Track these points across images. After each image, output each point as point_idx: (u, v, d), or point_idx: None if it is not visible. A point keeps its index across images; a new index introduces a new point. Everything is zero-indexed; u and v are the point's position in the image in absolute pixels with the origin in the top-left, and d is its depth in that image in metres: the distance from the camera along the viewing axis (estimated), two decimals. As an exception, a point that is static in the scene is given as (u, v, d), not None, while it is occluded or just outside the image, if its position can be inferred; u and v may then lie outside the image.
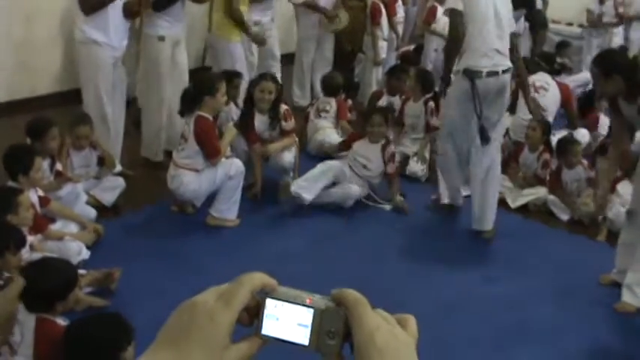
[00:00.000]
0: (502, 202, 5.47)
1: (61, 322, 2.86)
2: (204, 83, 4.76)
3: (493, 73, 4.50)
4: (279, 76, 6.77)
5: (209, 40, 6.65)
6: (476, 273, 4.41)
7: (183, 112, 4.77)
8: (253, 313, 0.76)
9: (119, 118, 5.41)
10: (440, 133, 5.12)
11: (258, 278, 0.76)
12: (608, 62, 4.05)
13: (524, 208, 5.47)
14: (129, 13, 5.12)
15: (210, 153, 4.65)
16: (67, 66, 6.83)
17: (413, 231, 4.93)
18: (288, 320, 0.76)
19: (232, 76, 5.56)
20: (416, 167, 5.87)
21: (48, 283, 2.81)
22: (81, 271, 3.85)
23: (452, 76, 4.81)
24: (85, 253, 4.08)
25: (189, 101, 4.71)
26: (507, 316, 3.94)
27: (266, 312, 0.76)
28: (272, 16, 6.93)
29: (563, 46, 9.03)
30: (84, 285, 3.73)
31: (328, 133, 6.13)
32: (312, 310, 0.75)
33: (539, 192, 5.52)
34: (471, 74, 4.48)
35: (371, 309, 0.75)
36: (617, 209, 5.01)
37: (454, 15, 4.60)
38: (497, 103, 4.67)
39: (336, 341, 0.75)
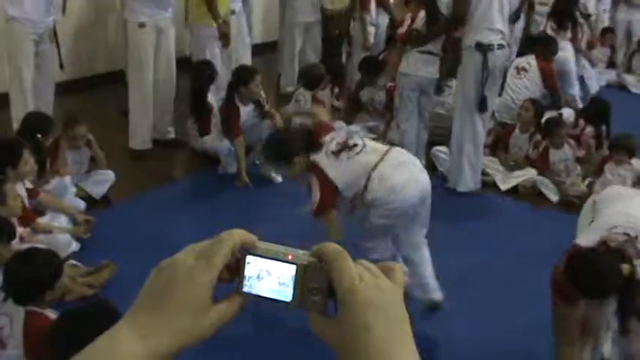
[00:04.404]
0: (492, 185, 5.51)
1: (51, 314, 2.83)
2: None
3: (501, 46, 4.87)
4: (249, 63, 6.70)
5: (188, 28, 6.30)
6: (465, 254, 4.40)
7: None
8: (234, 270, 0.74)
9: (46, 94, 5.32)
10: (462, 110, 5.09)
11: (238, 235, 0.74)
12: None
13: (514, 190, 5.47)
14: None
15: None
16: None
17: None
18: (270, 277, 0.73)
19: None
20: None
21: (34, 273, 2.77)
22: (73, 262, 3.85)
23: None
24: (75, 246, 4.06)
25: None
26: (500, 291, 4.02)
27: (247, 269, 0.73)
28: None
29: None
30: (78, 277, 3.70)
31: None
32: (294, 267, 0.72)
33: (529, 173, 5.52)
34: (483, 48, 4.78)
35: (351, 261, 0.71)
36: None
37: None
38: (498, 79, 5.07)
39: (320, 298, 0.72)
